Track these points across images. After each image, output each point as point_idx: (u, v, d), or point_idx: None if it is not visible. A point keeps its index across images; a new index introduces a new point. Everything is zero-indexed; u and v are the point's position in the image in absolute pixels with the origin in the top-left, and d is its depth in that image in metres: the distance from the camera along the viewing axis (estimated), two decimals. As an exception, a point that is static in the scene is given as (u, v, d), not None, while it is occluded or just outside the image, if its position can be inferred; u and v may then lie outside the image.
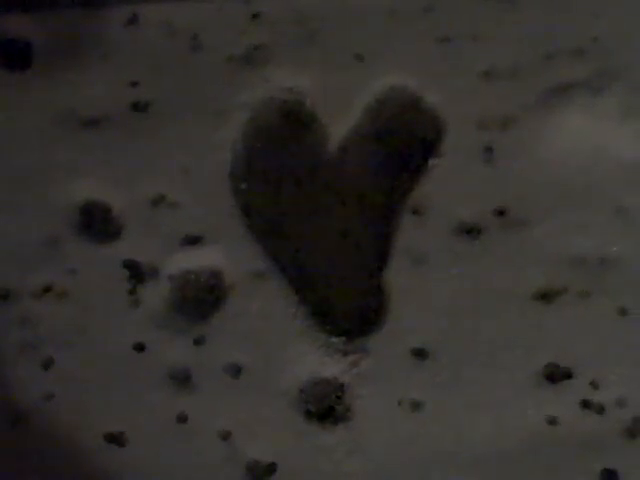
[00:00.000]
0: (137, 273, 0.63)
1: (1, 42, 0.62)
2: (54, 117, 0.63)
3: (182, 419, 0.62)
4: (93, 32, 0.63)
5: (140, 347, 0.63)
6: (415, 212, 0.63)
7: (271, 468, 0.62)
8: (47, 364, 0.63)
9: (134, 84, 0.63)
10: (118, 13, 0.63)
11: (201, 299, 0.63)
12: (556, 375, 0.62)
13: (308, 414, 0.62)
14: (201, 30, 0.63)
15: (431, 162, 0.63)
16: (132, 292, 0.63)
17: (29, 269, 0.62)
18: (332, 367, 0.63)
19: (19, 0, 0.63)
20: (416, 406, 0.62)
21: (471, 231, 0.63)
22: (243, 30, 0.62)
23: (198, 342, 0.63)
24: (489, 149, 0.63)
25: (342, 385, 0.62)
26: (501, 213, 0.63)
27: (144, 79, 0.63)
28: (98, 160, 0.63)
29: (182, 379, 0.63)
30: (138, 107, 0.63)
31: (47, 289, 0.63)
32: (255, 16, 0.62)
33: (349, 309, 0.63)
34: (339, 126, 0.63)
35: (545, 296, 0.62)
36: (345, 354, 0.63)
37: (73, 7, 0.63)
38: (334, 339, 0.63)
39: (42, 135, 0.63)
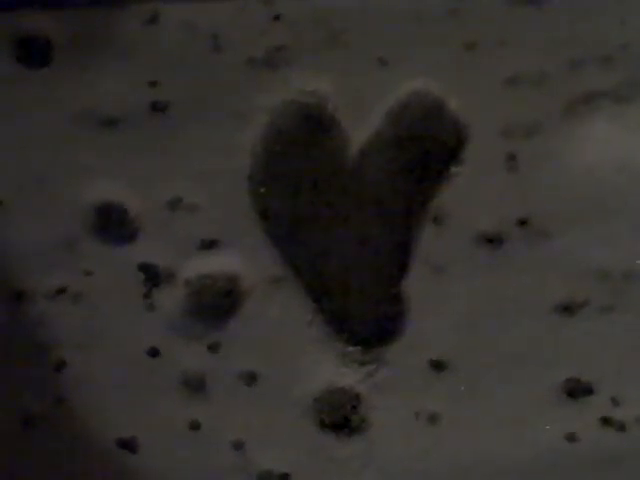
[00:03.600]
0: (153, 276, 0.62)
1: (21, 39, 0.62)
2: (72, 116, 0.63)
3: (195, 426, 0.62)
4: (113, 31, 0.62)
5: (154, 352, 0.62)
6: (435, 220, 0.62)
7: (284, 478, 0.62)
8: (60, 366, 0.63)
9: (153, 84, 0.62)
10: (139, 12, 0.63)
11: (217, 304, 0.62)
12: (576, 390, 0.61)
13: (322, 424, 0.62)
14: (222, 31, 0.62)
15: (453, 169, 0.62)
16: (147, 296, 0.63)
17: (44, 270, 0.62)
18: (348, 377, 0.62)
19: (39, -3, 0.63)
20: (433, 419, 0.62)
21: (492, 241, 0.62)
22: (264, 31, 0.62)
23: (213, 348, 0.63)
24: (512, 157, 0.62)
25: (358, 395, 0.62)
26: (523, 223, 0.62)
27: (163, 79, 0.62)
28: (115, 161, 0.63)
29: (196, 385, 0.62)
30: (157, 107, 0.63)
31: (62, 290, 0.63)
32: (276, 17, 0.62)
33: (367, 318, 0.62)
34: (360, 131, 0.62)
35: (567, 309, 0.62)
36: (362, 364, 0.62)
37: (94, 5, 0.63)
38: (351, 348, 0.63)
39: (59, 134, 0.63)
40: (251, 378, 0.62)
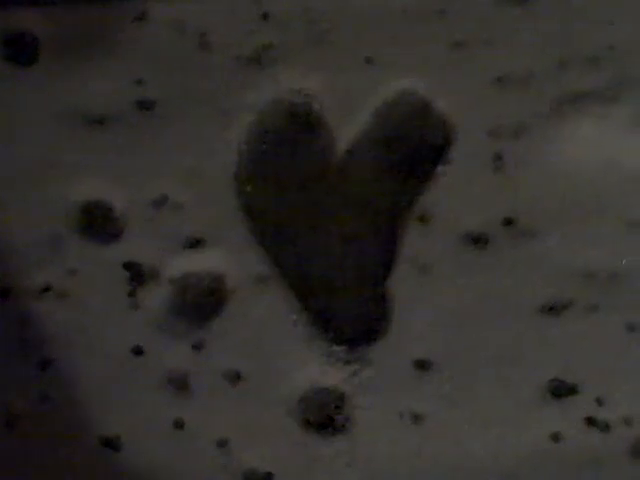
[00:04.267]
0: (137, 275, 0.62)
1: (8, 36, 0.62)
2: (58, 114, 0.62)
3: (179, 425, 0.62)
4: (101, 28, 0.62)
5: (138, 350, 0.62)
6: (421, 220, 0.62)
7: (267, 477, 0.62)
8: (44, 365, 0.62)
9: (140, 82, 0.62)
10: (127, 10, 0.62)
11: (201, 303, 0.62)
12: (561, 391, 0.61)
13: (307, 423, 0.62)
14: (210, 29, 0.62)
15: (439, 169, 0.62)
16: (132, 294, 0.62)
17: (29, 268, 0.62)
18: (333, 376, 0.62)
19: (27, -6, 0.62)
20: (417, 418, 0.62)
21: (478, 240, 0.62)
22: (252, 30, 0.62)
23: (197, 347, 0.62)
24: (499, 157, 0.62)
25: (342, 395, 0.62)
26: (509, 223, 0.62)
27: (150, 77, 0.62)
28: (101, 159, 0.62)
29: (180, 384, 0.62)
30: (144, 105, 0.63)
31: (46, 289, 0.63)
32: (265, 16, 0.62)
33: (352, 317, 0.62)
34: (347, 129, 0.62)
35: (552, 309, 0.62)
36: (346, 363, 0.62)
37: (81, 3, 0.62)
38: (335, 347, 0.62)
39: (45, 132, 0.62)
40: (235, 377, 0.62)
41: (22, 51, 0.62)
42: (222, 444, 0.62)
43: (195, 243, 0.62)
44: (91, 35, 0.62)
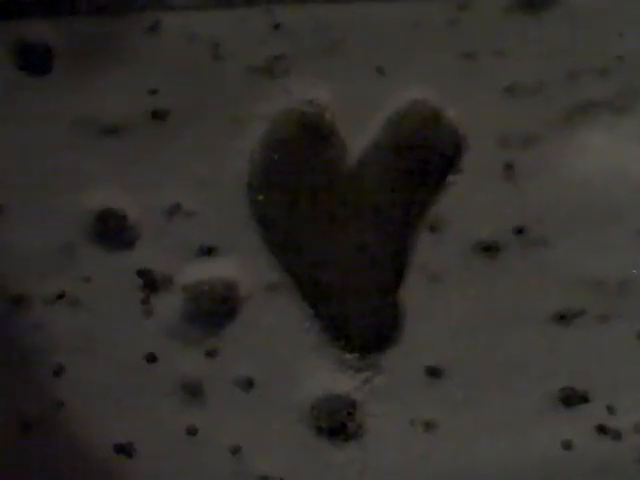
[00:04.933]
0: (151, 282, 0.62)
1: (22, 47, 0.62)
2: (72, 123, 0.63)
3: (192, 431, 0.62)
4: (114, 39, 0.62)
5: (152, 358, 0.62)
6: (432, 229, 0.62)
7: (280, 484, 0.62)
8: (58, 371, 0.63)
9: (154, 92, 0.62)
10: (140, 20, 0.63)
11: (214, 311, 0.62)
12: (572, 399, 0.61)
13: (319, 430, 0.62)
14: (222, 39, 0.62)
15: (450, 178, 0.62)
16: (145, 302, 0.63)
17: (43, 275, 0.62)
18: (344, 383, 0.62)
19: (41, 5, 0.63)
20: (429, 426, 0.62)
21: (489, 249, 0.62)
22: (264, 40, 0.62)
23: (210, 354, 0.62)
24: (509, 166, 0.62)
25: (354, 402, 0.62)
26: (520, 232, 0.62)
27: (164, 87, 0.62)
28: (115, 168, 0.63)
29: (193, 391, 0.62)
30: (157, 115, 0.63)
31: (60, 296, 0.63)
32: (276, 27, 0.62)
33: (363, 325, 0.62)
34: (358, 139, 0.62)
35: (563, 318, 0.62)
36: (358, 370, 0.62)
37: (95, 13, 0.63)
38: (347, 355, 0.62)
39: (60, 141, 0.63)
40: (248, 384, 0.62)
41: (36, 61, 0.62)
42: (235, 451, 0.62)
43: (208, 251, 0.63)
44: (105, 45, 0.62)
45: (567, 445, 0.61)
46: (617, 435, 0.61)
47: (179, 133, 0.63)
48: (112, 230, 0.63)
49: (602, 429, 0.61)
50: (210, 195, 0.63)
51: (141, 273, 0.63)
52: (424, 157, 0.62)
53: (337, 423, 0.62)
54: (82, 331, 0.63)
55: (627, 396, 0.61)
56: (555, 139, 0.62)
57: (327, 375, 0.62)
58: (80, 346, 0.63)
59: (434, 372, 0.62)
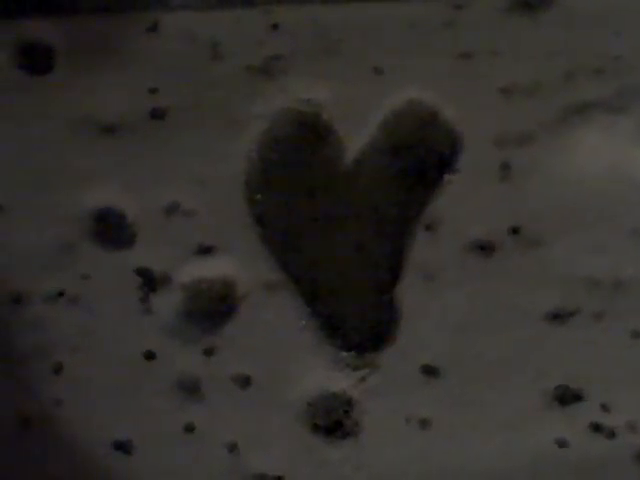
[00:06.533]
0: (149, 281, 0.63)
1: (23, 46, 0.62)
2: (72, 122, 0.63)
3: (189, 429, 0.62)
4: (114, 38, 0.63)
5: (150, 355, 0.63)
6: (429, 228, 0.62)
7: (277, 481, 0.62)
8: (57, 369, 0.63)
9: (153, 91, 0.63)
10: (140, 20, 0.63)
11: (212, 309, 0.63)
12: (566, 397, 0.61)
13: (315, 428, 0.62)
14: (221, 39, 0.62)
15: (446, 177, 0.63)
16: (144, 300, 0.63)
17: (42, 273, 0.63)
18: (341, 381, 0.62)
19: (42, 5, 0.63)
20: (424, 423, 0.62)
21: (485, 248, 0.62)
22: (262, 40, 0.62)
23: (208, 352, 0.63)
24: (506, 166, 0.62)
25: (350, 400, 0.62)
26: (515, 231, 0.62)
27: (163, 86, 0.63)
28: (114, 166, 0.63)
29: (191, 389, 0.62)
30: (156, 114, 0.63)
31: (60, 294, 0.63)
32: (274, 27, 0.62)
33: (360, 323, 0.63)
34: (355, 139, 0.63)
35: (558, 316, 0.62)
36: (355, 369, 0.63)
37: (95, 13, 0.63)
38: (344, 353, 0.63)
39: (59, 140, 0.63)
40: (245, 382, 0.63)
41: (37, 60, 0.63)
42: (232, 448, 0.62)
43: (206, 250, 0.63)
44: (105, 45, 0.62)
45: (561, 443, 0.61)
46: (611, 433, 0.61)
47: (178, 132, 0.63)
48: (111, 229, 0.63)
49: (596, 427, 0.61)
50: (208, 194, 0.63)
51: (140, 271, 0.63)
52: (421, 157, 0.62)
53: (333, 421, 0.62)
54: (81, 329, 0.63)
55: (621, 394, 0.61)
56: (551, 139, 0.62)
57: (324, 373, 0.62)
58: (79, 344, 0.63)
59: (430, 370, 0.62)
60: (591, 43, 0.62)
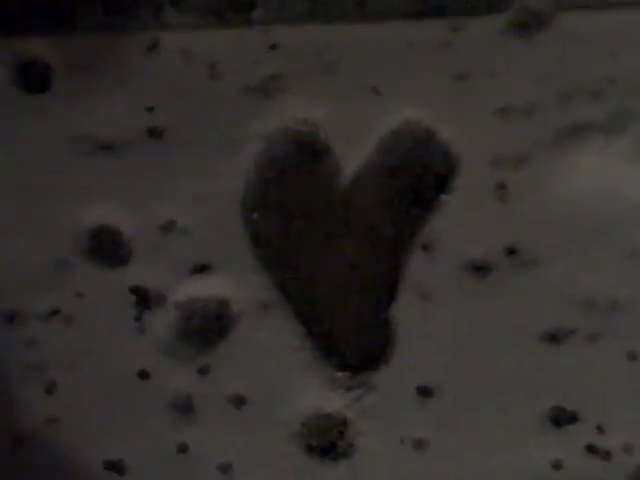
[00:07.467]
0: (144, 299, 0.63)
1: (22, 63, 0.62)
2: (70, 140, 0.63)
3: (183, 449, 0.62)
4: (113, 57, 0.63)
5: (144, 374, 0.63)
6: (425, 247, 0.62)
7: (270, 502, 0.62)
8: (51, 388, 0.63)
9: (151, 109, 0.63)
10: (139, 39, 0.63)
11: (207, 328, 0.63)
12: (562, 418, 0.61)
13: (310, 448, 0.62)
14: (219, 59, 0.63)
15: (443, 198, 0.63)
16: (138, 318, 0.63)
17: (36, 291, 0.63)
18: (335, 402, 0.62)
19: (41, 23, 0.63)
20: (419, 444, 0.62)
21: (481, 269, 0.62)
22: (260, 60, 0.62)
23: (202, 371, 0.63)
24: (502, 187, 0.62)
25: (345, 420, 0.62)
26: (512, 252, 0.62)
27: (161, 105, 0.63)
28: (111, 184, 0.63)
29: (185, 408, 0.62)
30: (153, 133, 0.63)
31: (54, 312, 0.63)
32: (272, 46, 0.62)
33: (355, 343, 0.63)
34: (352, 158, 0.63)
35: (554, 337, 0.62)
36: (349, 389, 0.62)
37: (94, 31, 0.63)
38: (338, 373, 0.63)
39: (57, 157, 0.63)
40: (240, 401, 0.62)
41: (35, 78, 0.63)
42: (225, 469, 0.62)
43: (201, 268, 0.63)
44: (103, 63, 0.63)
45: (557, 465, 0.61)
46: (607, 455, 0.61)
47: (175, 151, 0.63)
48: (106, 246, 0.63)
49: (592, 449, 0.61)
50: (205, 212, 0.63)
51: (134, 290, 0.63)
52: (417, 177, 0.62)
53: (327, 441, 0.62)
54: (75, 348, 0.63)
55: (617, 416, 0.61)
56: (547, 160, 0.62)
57: (318, 393, 0.62)
58: (73, 362, 0.63)
59: (425, 391, 0.62)
60: (587, 64, 0.62)
